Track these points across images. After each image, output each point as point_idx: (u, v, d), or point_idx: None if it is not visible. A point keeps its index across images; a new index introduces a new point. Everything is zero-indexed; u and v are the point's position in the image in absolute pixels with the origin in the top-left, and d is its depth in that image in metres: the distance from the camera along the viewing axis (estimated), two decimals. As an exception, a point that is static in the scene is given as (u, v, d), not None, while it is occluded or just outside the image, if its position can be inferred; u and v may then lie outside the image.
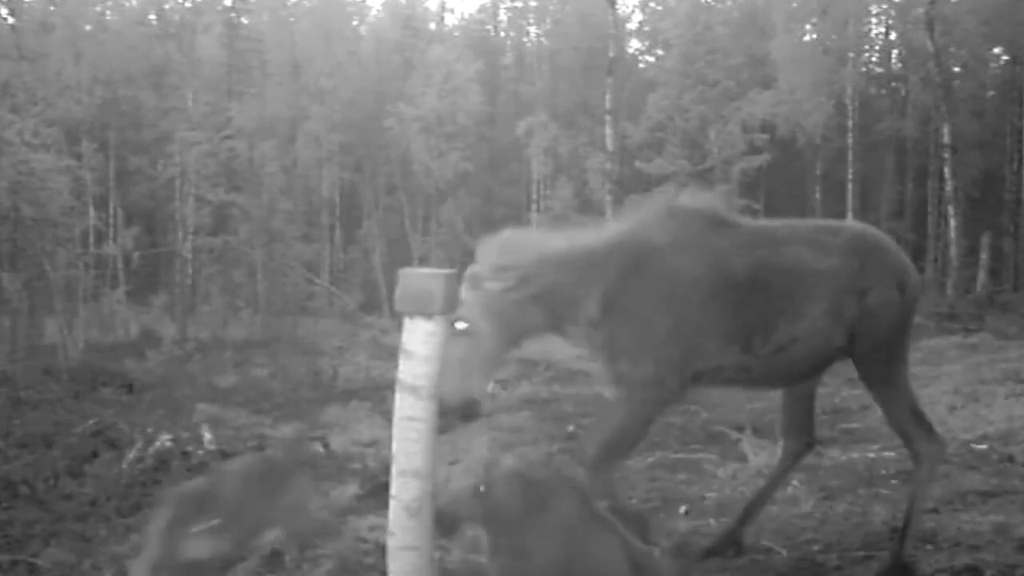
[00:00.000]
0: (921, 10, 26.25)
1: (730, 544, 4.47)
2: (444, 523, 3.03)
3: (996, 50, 33.05)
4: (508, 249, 3.88)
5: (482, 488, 2.97)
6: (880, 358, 4.18)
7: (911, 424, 4.22)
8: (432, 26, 38.23)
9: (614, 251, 3.92)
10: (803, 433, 4.55)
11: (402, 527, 3.09)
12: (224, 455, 7.13)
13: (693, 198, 4.34)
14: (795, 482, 5.63)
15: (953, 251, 23.67)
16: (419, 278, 3.19)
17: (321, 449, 7.88)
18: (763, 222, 4.90)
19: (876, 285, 4.10)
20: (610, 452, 3.92)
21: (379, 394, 10.10)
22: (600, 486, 3.85)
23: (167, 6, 30.50)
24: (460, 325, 3.58)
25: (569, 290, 3.87)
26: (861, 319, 4.07)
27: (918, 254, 30.41)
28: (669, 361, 3.89)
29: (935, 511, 5.00)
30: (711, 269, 3.93)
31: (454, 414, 3.63)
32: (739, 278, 3.95)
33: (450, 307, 3.18)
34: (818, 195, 30.21)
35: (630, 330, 3.87)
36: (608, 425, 3.97)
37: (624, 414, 3.93)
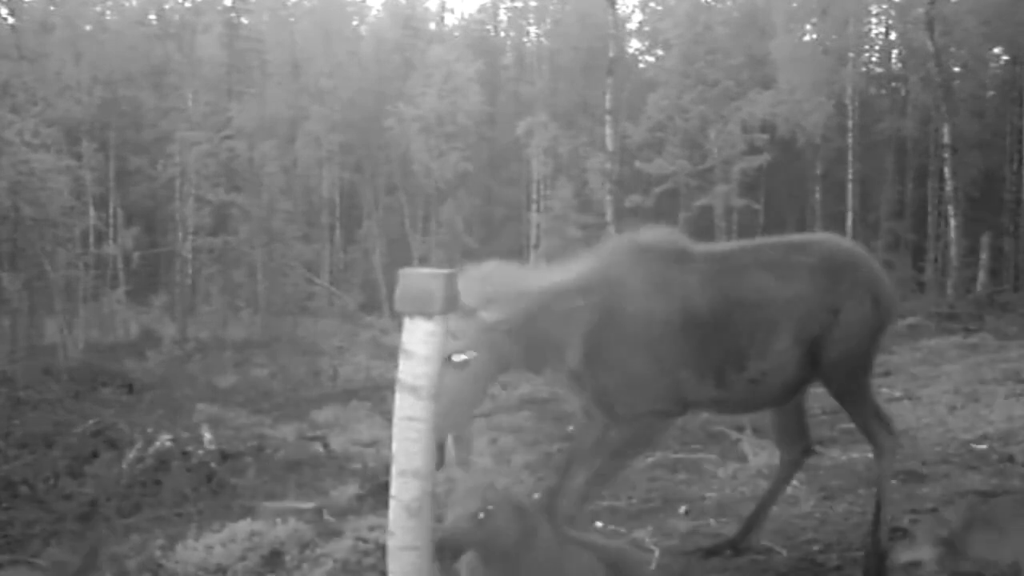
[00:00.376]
0: (921, 10, 26.24)
1: (728, 547, 4.49)
2: (446, 553, 2.97)
3: (996, 50, 33.04)
4: (493, 281, 3.78)
5: (482, 515, 2.94)
6: (849, 371, 4.14)
7: (874, 422, 4.22)
8: (432, 26, 38.22)
9: (589, 294, 3.84)
10: (798, 440, 4.51)
11: (402, 527, 3.09)
12: (224, 455, 7.15)
13: (653, 234, 4.25)
14: (795, 482, 5.63)
15: (953, 251, 23.66)
16: (419, 278, 3.19)
17: (321, 449, 7.89)
18: (725, 247, 4.89)
19: (848, 302, 4.04)
20: (604, 479, 4.03)
21: (379, 394, 10.12)
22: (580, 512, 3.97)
23: (167, 6, 30.49)
24: (459, 358, 3.44)
25: (550, 332, 3.82)
26: (833, 338, 4.01)
27: (918, 254, 30.45)
28: (663, 393, 3.92)
29: (935, 511, 5.01)
30: (679, 308, 3.89)
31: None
32: (704, 316, 3.91)
33: (450, 307, 3.18)
34: (818, 195, 30.20)
35: (617, 377, 3.85)
36: (603, 453, 3.99)
37: (625, 441, 3.97)
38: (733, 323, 3.95)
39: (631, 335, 3.84)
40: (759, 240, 4.86)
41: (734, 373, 3.96)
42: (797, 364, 4.01)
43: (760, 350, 3.95)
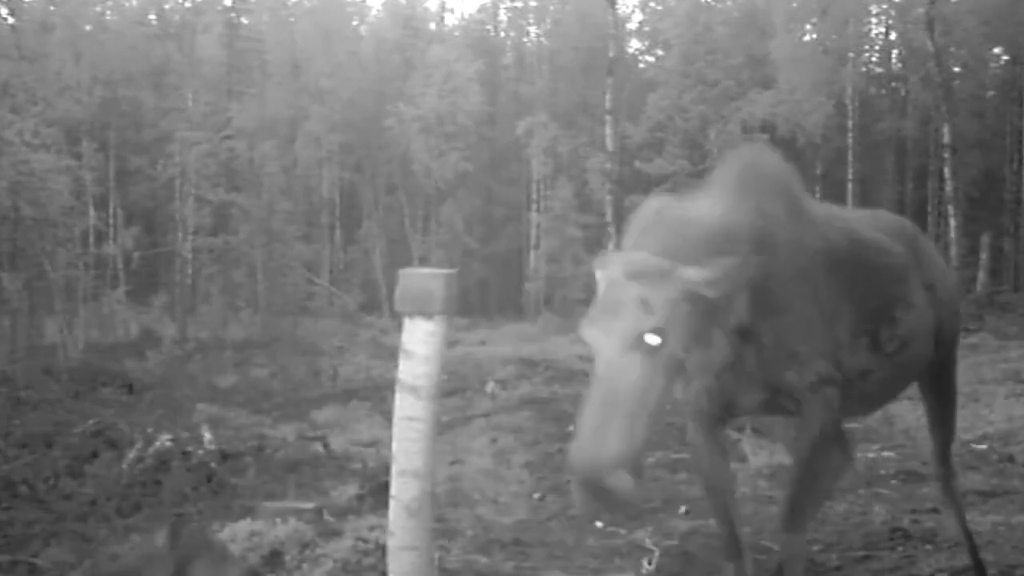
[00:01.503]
0: (921, 10, 26.24)
1: None
2: None
3: (996, 50, 33.04)
4: (683, 226, 2.85)
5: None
6: (950, 366, 3.74)
7: (954, 416, 3.92)
8: (432, 26, 38.23)
9: (747, 231, 2.97)
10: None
11: (402, 527, 3.09)
12: (224, 455, 7.14)
13: (764, 156, 3.42)
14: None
15: (953, 251, 23.65)
16: (419, 278, 3.19)
17: (321, 449, 7.90)
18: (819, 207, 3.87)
19: (936, 280, 3.61)
20: (816, 492, 3.19)
21: (379, 394, 10.12)
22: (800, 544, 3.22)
23: (167, 6, 30.51)
24: (653, 339, 2.49)
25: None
26: (938, 318, 3.53)
27: (918, 254, 30.41)
28: (829, 349, 3.11)
29: (935, 511, 5.00)
30: (824, 244, 3.18)
31: (612, 495, 2.42)
32: (847, 258, 3.23)
33: (450, 307, 3.17)
34: (818, 195, 30.15)
35: (789, 329, 3.06)
36: (804, 464, 3.13)
37: (815, 438, 3.09)
38: (876, 268, 3.36)
39: (794, 275, 3.09)
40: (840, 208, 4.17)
41: (889, 328, 3.32)
42: (931, 329, 3.49)
43: (906, 303, 3.40)
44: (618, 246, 3.28)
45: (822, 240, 3.18)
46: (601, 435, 2.36)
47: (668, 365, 2.53)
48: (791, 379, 3.06)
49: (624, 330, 2.46)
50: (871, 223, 3.60)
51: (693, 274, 2.57)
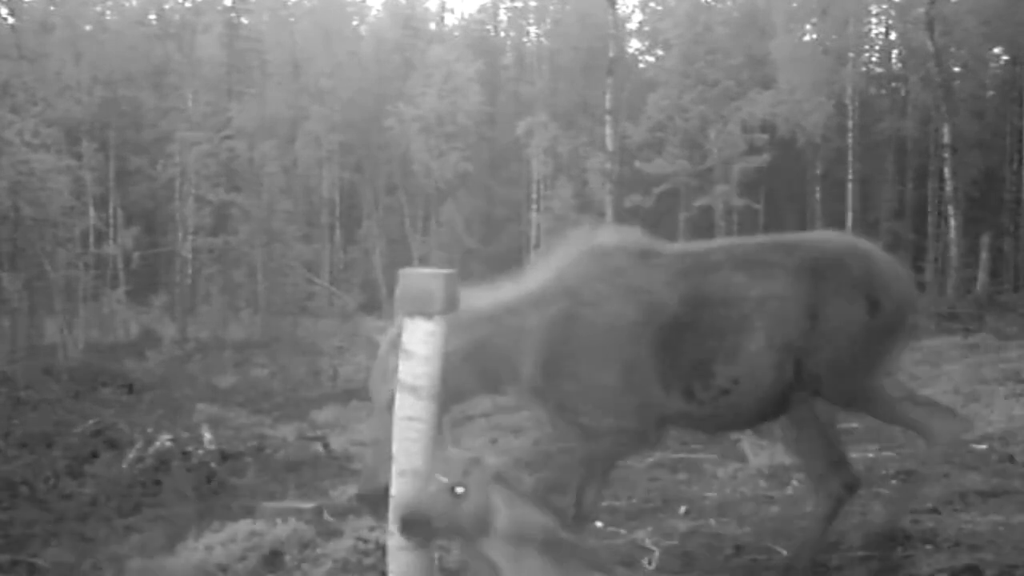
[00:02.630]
0: (921, 10, 26.25)
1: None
2: (414, 530, 2.69)
3: (996, 50, 33.05)
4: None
5: (459, 490, 2.64)
6: (841, 377, 3.80)
7: (906, 416, 4.06)
8: (432, 26, 38.24)
9: (544, 305, 3.57)
10: (833, 473, 4.03)
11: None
12: (224, 455, 7.14)
13: (611, 234, 4.00)
14: (795, 482, 5.63)
15: (953, 251, 23.65)
16: (419, 278, 3.19)
17: (321, 449, 7.89)
18: (701, 245, 4.29)
19: (830, 305, 3.70)
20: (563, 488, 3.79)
21: (379, 394, 10.07)
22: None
23: (167, 6, 30.52)
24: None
25: (502, 350, 3.57)
26: (813, 344, 3.69)
27: (918, 254, 30.42)
28: (630, 410, 3.65)
29: (935, 511, 5.00)
30: (642, 311, 3.62)
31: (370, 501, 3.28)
32: (669, 318, 3.63)
33: (450, 307, 3.17)
34: (818, 195, 30.21)
35: (581, 389, 3.60)
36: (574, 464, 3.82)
37: (591, 457, 3.74)
38: (700, 323, 3.68)
39: (591, 343, 3.59)
40: (743, 239, 4.54)
41: (703, 381, 3.66)
42: (774, 371, 3.68)
43: (729, 353, 3.65)
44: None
45: (641, 315, 3.62)
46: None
47: None
48: (584, 423, 3.65)
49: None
50: (750, 260, 3.80)
51: None
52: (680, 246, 4.11)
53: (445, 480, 2.67)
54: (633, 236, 3.93)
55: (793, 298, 3.69)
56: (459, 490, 2.63)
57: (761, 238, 4.27)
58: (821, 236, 4.56)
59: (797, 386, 3.76)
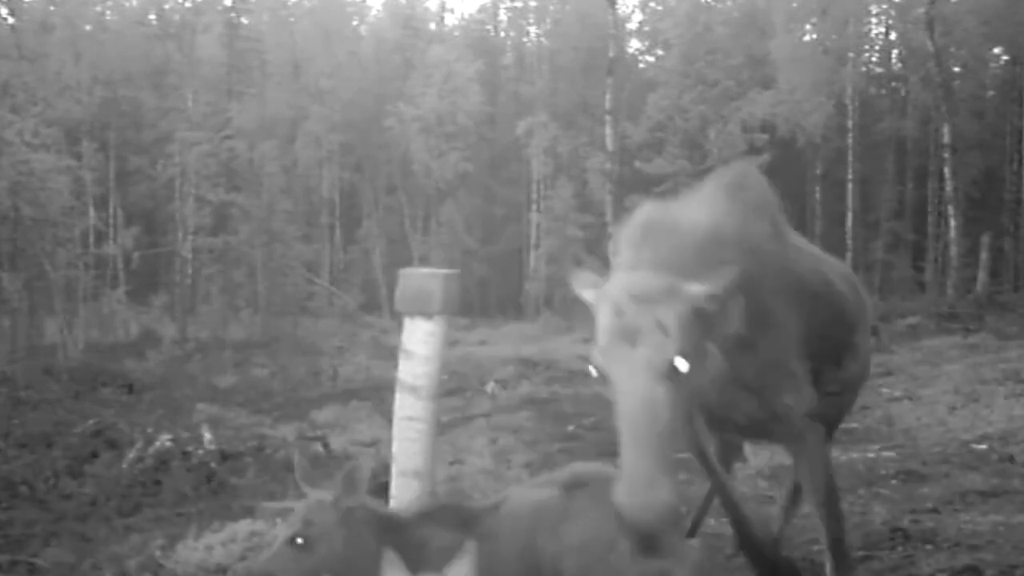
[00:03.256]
0: (921, 10, 26.23)
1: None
2: None
3: (996, 50, 33.03)
4: (672, 239, 2.72)
5: (299, 541, 2.46)
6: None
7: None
8: (432, 26, 38.23)
9: (735, 241, 2.87)
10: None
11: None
12: (224, 455, 7.14)
13: (753, 177, 3.29)
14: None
15: (953, 251, 23.63)
16: (419, 278, 3.19)
17: (321, 449, 7.89)
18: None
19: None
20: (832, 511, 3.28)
21: (379, 394, 10.10)
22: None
23: (167, 6, 30.50)
24: (682, 364, 2.33)
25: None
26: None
27: (918, 254, 30.42)
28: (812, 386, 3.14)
29: (935, 511, 5.00)
30: (800, 274, 3.16)
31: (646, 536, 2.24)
32: (817, 293, 3.18)
33: (450, 307, 3.17)
34: (818, 195, 30.20)
35: (782, 343, 2.95)
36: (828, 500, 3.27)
37: (817, 469, 3.23)
38: (834, 306, 3.31)
39: (777, 289, 2.98)
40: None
41: (831, 372, 3.27)
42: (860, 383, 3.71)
43: (854, 349, 3.48)
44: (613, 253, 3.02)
45: (799, 268, 3.14)
46: (655, 478, 2.18)
47: (691, 386, 2.38)
48: (786, 401, 3.00)
49: (650, 360, 2.28)
50: (830, 266, 3.57)
51: (698, 289, 2.40)
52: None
53: (286, 532, 2.50)
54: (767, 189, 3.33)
55: (862, 314, 3.61)
56: (299, 541, 2.46)
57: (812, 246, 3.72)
58: (834, 259, 3.94)
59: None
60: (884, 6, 33.35)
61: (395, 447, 3.15)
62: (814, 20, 31.64)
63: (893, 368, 10.92)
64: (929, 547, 4.39)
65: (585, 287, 2.55)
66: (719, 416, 3.07)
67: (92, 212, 25.11)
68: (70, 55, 28.77)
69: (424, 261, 28.27)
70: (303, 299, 25.19)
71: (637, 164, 26.59)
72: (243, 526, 4.88)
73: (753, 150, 26.25)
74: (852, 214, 28.69)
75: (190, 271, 25.63)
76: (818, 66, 28.58)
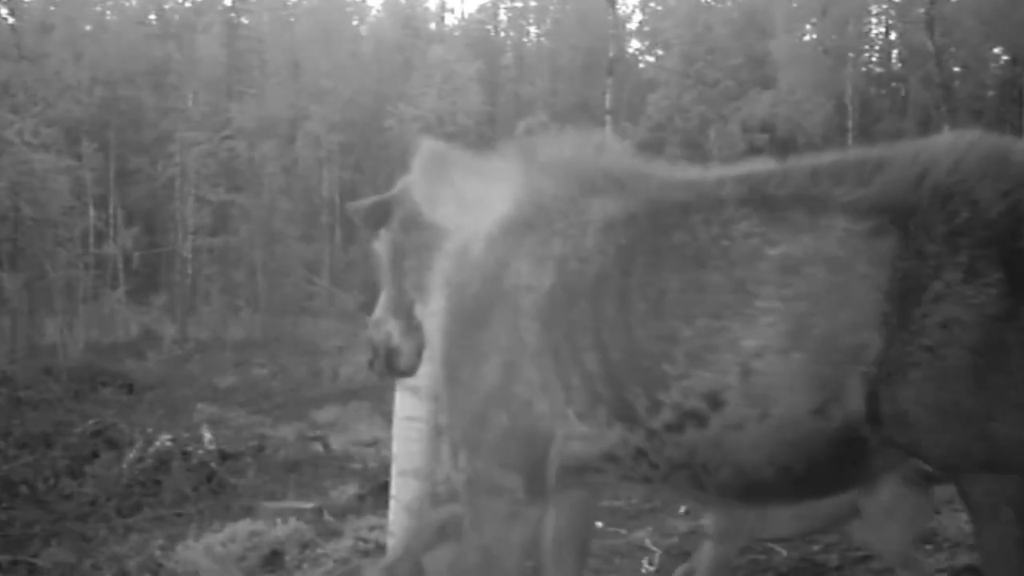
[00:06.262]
0: (921, 10, 26.23)
1: None
2: None
3: (996, 50, 33.04)
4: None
5: None
6: (962, 434, 2.01)
7: None
8: (432, 26, 38.27)
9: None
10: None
11: (402, 527, 3.09)
12: (224, 455, 7.15)
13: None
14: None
15: (953, 251, 23.65)
16: (419, 278, 3.19)
17: (321, 449, 7.90)
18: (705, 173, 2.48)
19: (936, 284, 2.05)
20: None
21: (379, 394, 10.10)
22: None
23: (167, 6, 30.55)
24: None
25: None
26: (901, 362, 1.99)
27: (918, 254, 30.42)
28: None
29: (935, 511, 5.00)
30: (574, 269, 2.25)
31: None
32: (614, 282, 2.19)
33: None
34: (818, 195, 30.21)
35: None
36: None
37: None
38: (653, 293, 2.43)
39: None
40: (801, 161, 2.72)
41: (650, 393, 2.36)
42: (809, 397, 2.05)
43: (703, 350, 2.59)
44: None
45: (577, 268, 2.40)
46: None
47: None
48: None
49: None
50: (783, 196, 2.72)
51: None
52: (684, 172, 2.50)
53: None
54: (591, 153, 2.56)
55: (860, 266, 2.01)
56: None
57: (828, 157, 2.22)
58: (934, 144, 2.16)
59: (875, 436, 2.04)
60: (884, 6, 33.36)
61: (395, 447, 3.15)
62: (814, 20, 31.66)
63: None
64: (929, 547, 4.39)
65: None
66: None
67: (92, 212, 25.11)
68: (70, 55, 28.79)
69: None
70: (303, 299, 25.19)
71: (637, 164, 26.59)
72: (243, 526, 4.89)
73: (753, 150, 26.26)
74: (852, 214, 28.70)
75: (190, 271, 25.64)
76: (818, 66, 28.60)
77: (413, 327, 2.80)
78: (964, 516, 4.89)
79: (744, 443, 2.11)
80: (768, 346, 2.06)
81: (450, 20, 41.12)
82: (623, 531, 4.96)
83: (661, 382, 2.12)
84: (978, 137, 2.11)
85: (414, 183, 2.73)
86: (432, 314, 2.49)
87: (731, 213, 2.14)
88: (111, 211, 27.82)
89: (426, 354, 3.11)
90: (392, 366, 2.93)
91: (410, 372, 2.90)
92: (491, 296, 2.33)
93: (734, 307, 2.09)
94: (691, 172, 2.51)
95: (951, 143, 2.10)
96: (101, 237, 26.57)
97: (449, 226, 2.54)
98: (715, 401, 2.09)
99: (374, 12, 41.47)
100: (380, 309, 2.97)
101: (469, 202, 2.54)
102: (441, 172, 2.66)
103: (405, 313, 2.82)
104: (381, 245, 2.84)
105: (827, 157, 2.22)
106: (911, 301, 1.97)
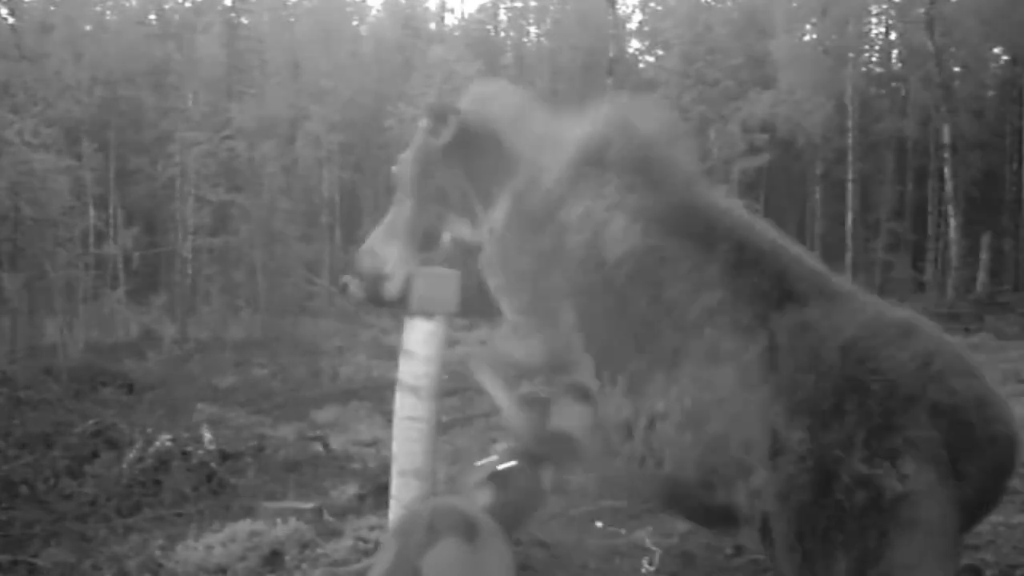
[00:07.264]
0: (921, 10, 26.25)
1: None
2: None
3: (996, 50, 33.05)
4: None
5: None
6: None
7: None
8: (432, 26, 38.28)
9: None
10: None
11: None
12: (224, 455, 7.14)
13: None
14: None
15: (953, 251, 23.65)
16: (419, 278, 3.19)
17: (321, 449, 7.90)
18: None
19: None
20: None
21: (379, 394, 10.10)
22: None
23: (167, 6, 30.53)
24: None
25: None
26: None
27: (918, 254, 30.43)
28: None
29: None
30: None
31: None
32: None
33: (451, 307, 3.17)
34: (818, 195, 30.21)
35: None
36: None
37: None
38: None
39: None
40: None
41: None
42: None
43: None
44: None
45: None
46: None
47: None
48: None
49: None
50: None
51: None
52: None
53: None
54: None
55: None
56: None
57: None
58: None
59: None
60: (884, 6, 33.36)
61: (395, 447, 3.15)
62: (814, 20, 31.66)
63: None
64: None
65: None
66: None
67: (92, 212, 25.10)
68: (70, 55, 28.78)
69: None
70: (303, 299, 25.17)
71: (637, 164, 26.57)
72: (243, 526, 4.89)
73: (753, 150, 26.27)
74: (852, 214, 28.69)
75: (190, 271, 25.62)
76: (818, 66, 28.59)
77: (416, 250, 3.04)
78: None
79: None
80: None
81: (450, 20, 41.18)
82: (623, 531, 4.96)
83: (616, 367, 2.46)
84: None
85: (498, 115, 2.94)
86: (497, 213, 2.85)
87: None
88: (111, 211, 27.82)
89: (426, 353, 3.11)
90: (376, 293, 3.02)
91: (393, 302, 3.02)
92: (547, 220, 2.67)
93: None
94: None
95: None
96: (101, 237, 26.55)
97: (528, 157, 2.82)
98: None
99: (374, 12, 41.54)
100: (377, 236, 3.02)
101: (550, 142, 2.81)
102: (531, 112, 2.97)
103: (420, 234, 3.04)
104: (403, 166, 2.98)
105: None
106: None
